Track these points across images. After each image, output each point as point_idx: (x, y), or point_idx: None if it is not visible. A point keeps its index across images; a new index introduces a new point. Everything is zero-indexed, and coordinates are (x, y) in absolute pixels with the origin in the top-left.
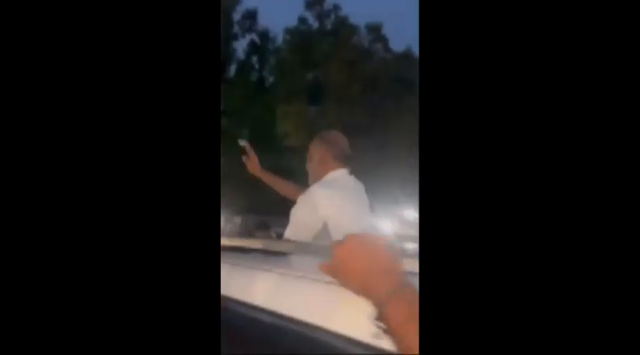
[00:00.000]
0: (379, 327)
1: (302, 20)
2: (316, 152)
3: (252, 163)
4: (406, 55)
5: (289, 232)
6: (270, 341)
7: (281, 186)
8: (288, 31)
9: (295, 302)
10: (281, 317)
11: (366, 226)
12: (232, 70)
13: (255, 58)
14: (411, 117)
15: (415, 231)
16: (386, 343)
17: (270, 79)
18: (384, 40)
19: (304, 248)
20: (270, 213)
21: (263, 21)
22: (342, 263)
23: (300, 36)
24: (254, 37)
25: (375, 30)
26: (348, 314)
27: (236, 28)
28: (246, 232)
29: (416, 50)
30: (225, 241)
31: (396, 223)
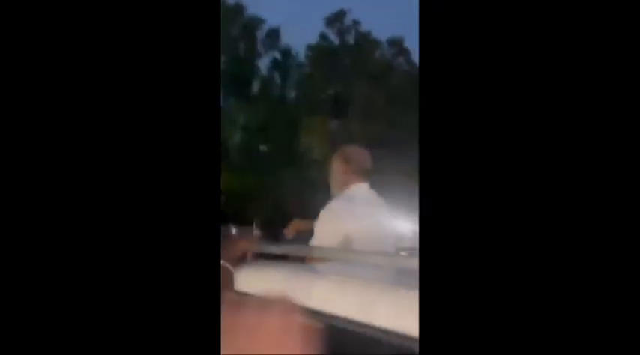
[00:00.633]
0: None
1: (323, 37)
2: (337, 167)
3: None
4: None
5: (320, 231)
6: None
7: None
8: (309, 47)
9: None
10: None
11: (385, 238)
12: (255, 86)
13: (277, 75)
14: None
15: None
16: None
17: (292, 95)
18: (406, 53)
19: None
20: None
21: (285, 39)
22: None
23: (321, 51)
24: (276, 54)
25: (396, 44)
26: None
27: (259, 46)
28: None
29: None
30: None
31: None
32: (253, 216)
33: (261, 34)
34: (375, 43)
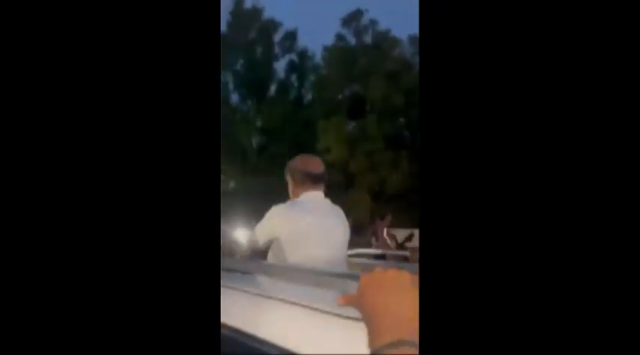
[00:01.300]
0: None
1: (339, 37)
2: (288, 178)
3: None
4: None
5: (258, 226)
6: None
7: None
8: (326, 48)
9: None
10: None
11: (329, 245)
12: (273, 89)
13: (294, 77)
14: None
15: None
16: None
17: (309, 96)
18: None
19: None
20: None
21: (302, 41)
22: (362, 295)
23: (337, 52)
24: (293, 56)
25: (417, 41)
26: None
27: (277, 49)
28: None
29: None
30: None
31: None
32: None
33: (277, 36)
34: (395, 41)
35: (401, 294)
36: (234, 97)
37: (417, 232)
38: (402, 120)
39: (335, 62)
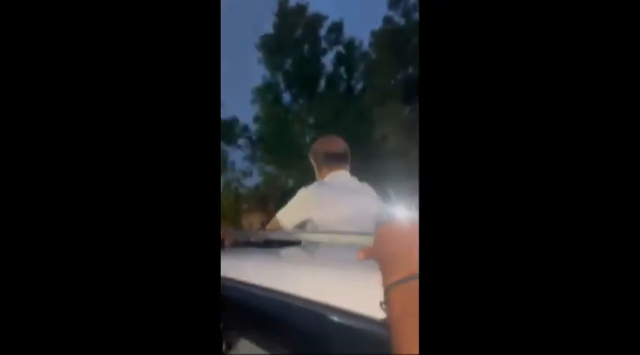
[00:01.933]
0: (382, 314)
1: (387, 20)
2: (312, 160)
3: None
4: None
5: (281, 214)
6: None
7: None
8: (374, 34)
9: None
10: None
11: (358, 222)
12: (322, 84)
13: (342, 69)
14: None
15: None
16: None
17: (359, 86)
18: None
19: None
20: None
21: (349, 31)
22: (379, 244)
23: (386, 36)
24: (340, 48)
25: None
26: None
27: (323, 44)
28: None
29: None
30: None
31: None
32: None
33: (323, 30)
34: None
35: (412, 239)
36: (286, 97)
37: None
38: None
39: (385, 46)
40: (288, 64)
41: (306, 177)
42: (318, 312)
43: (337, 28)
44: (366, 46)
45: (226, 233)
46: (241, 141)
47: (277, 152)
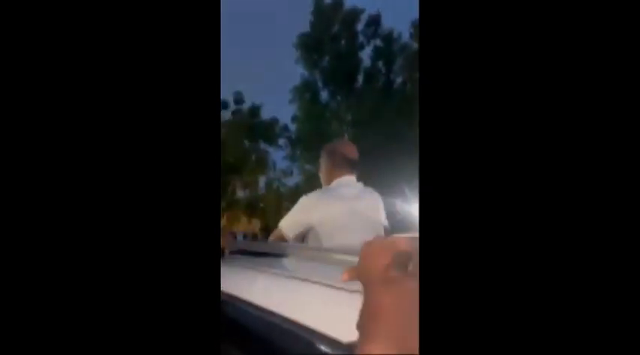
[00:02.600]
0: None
1: None
2: (322, 162)
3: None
4: None
5: (283, 221)
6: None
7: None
8: (414, 23)
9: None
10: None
11: (365, 230)
12: (360, 80)
13: (380, 63)
14: None
15: None
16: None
17: (399, 80)
18: None
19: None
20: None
21: (387, 23)
22: (362, 265)
23: None
24: (378, 42)
25: None
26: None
27: (361, 38)
28: None
29: None
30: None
31: None
32: None
33: (360, 25)
34: None
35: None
36: (324, 95)
37: None
38: None
39: None
40: (326, 61)
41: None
42: (301, 335)
43: (375, 21)
44: (405, 37)
45: (226, 242)
46: (281, 141)
47: (316, 150)
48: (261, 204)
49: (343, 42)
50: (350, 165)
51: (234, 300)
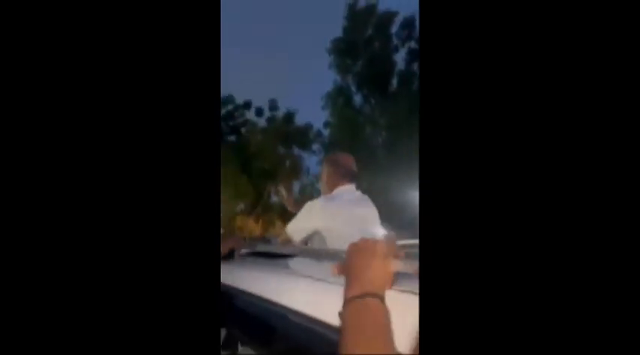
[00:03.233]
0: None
1: None
2: (325, 173)
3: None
4: None
5: (290, 226)
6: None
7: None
8: None
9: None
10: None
11: (365, 233)
12: (394, 83)
13: (416, 65)
14: None
15: None
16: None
17: None
18: None
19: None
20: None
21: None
22: (347, 261)
23: None
24: (412, 44)
25: None
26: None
27: (395, 41)
28: None
29: None
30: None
31: None
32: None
33: (395, 27)
34: None
35: (373, 258)
36: (357, 99)
37: None
38: None
39: None
40: (359, 65)
41: (378, 180)
42: (308, 326)
43: (409, 23)
44: None
45: (237, 243)
46: (315, 147)
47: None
48: (295, 210)
49: (377, 45)
50: (351, 175)
51: (241, 293)
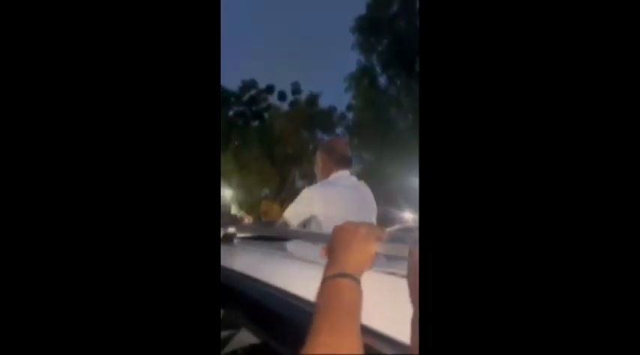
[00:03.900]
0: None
1: None
2: (320, 159)
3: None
4: None
5: (288, 211)
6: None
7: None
8: None
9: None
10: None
11: (360, 218)
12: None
13: None
14: None
15: None
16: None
17: None
18: None
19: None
20: None
21: None
22: (330, 243)
23: None
24: None
25: None
26: None
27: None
28: None
29: None
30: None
31: None
32: None
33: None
34: None
35: (352, 240)
36: (382, 80)
37: None
38: None
39: None
40: (384, 44)
41: (404, 162)
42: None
43: None
44: None
45: (232, 221)
46: (339, 130)
47: (375, 138)
48: None
49: (402, 22)
50: (346, 161)
51: (237, 275)
